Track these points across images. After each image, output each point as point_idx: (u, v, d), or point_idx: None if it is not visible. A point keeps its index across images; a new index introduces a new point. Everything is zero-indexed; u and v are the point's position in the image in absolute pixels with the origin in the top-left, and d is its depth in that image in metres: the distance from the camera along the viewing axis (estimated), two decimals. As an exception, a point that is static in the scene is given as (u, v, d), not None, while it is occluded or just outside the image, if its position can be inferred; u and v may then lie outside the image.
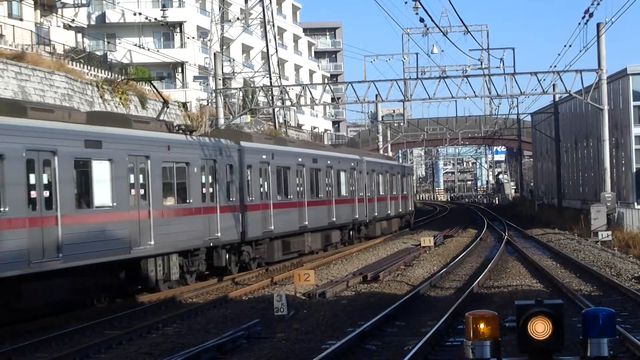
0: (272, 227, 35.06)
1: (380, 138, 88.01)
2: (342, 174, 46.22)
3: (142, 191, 25.86)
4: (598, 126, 53.21)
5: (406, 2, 33.26)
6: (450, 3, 70.96)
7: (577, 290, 25.58)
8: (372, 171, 52.29)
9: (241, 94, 61.23)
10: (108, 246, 23.59)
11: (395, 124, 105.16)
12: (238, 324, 20.05)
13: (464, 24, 47.34)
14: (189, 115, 68.55)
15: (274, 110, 69.10)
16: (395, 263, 35.57)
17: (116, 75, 59.36)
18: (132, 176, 25.27)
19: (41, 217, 21.10)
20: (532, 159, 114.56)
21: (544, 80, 50.14)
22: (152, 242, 25.77)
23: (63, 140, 22.22)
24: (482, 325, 7.71)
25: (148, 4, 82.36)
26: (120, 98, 55.64)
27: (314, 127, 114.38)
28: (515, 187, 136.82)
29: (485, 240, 51.56)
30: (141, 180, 25.88)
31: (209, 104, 68.82)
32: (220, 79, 54.14)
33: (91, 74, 55.95)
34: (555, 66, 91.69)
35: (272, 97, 57.14)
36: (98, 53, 70.42)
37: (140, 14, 67.00)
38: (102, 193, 23.80)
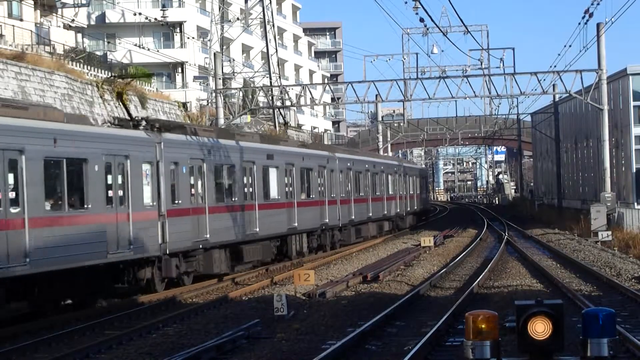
0: (208, 236, 29.51)
1: (380, 138, 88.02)
2: (309, 173, 40.61)
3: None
4: (598, 126, 53.20)
5: (406, 2, 33.25)
6: (450, 3, 70.99)
7: (577, 290, 25.57)
8: (347, 169, 46.78)
9: (241, 94, 61.22)
10: None
11: (395, 124, 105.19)
12: (238, 324, 20.05)
13: (464, 24, 47.44)
14: (189, 116, 68.56)
15: (273, 110, 69.10)
16: (395, 263, 35.56)
17: (114, 75, 59.33)
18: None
19: None
20: (532, 159, 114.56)
21: (544, 80, 50.22)
22: None
23: None
24: (482, 325, 7.71)
25: (148, 4, 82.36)
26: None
27: (314, 127, 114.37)
28: (515, 187, 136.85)
29: (485, 241, 51.55)
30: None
31: (209, 104, 68.84)
32: (220, 79, 54.14)
33: (91, 74, 55.96)
34: (555, 66, 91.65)
35: (272, 97, 57.14)
36: (98, 53, 70.43)
37: (140, 14, 66.98)
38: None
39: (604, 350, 7.60)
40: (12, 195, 20.48)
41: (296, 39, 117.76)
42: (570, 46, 72.97)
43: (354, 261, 38.48)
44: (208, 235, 29.31)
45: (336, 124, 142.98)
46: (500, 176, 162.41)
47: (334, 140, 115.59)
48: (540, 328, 7.57)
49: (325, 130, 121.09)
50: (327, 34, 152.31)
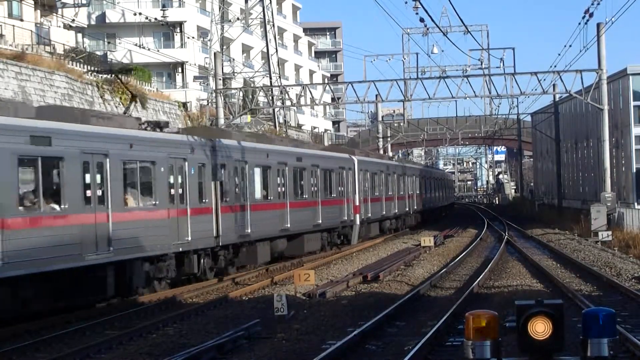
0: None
1: (380, 138, 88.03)
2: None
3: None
4: (598, 126, 53.20)
5: (406, 2, 33.33)
6: (450, 3, 71.06)
7: (577, 290, 25.58)
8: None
9: (241, 94, 61.22)
10: None
11: (395, 124, 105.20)
12: (238, 324, 20.05)
13: (464, 24, 47.46)
14: (189, 116, 68.59)
15: (274, 110, 69.10)
16: (396, 263, 35.57)
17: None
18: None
19: None
20: (532, 159, 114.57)
21: (544, 80, 50.20)
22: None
23: None
24: (482, 325, 7.71)
25: (148, 4, 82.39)
26: (120, 98, 55.66)
27: (314, 127, 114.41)
28: (515, 187, 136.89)
29: (486, 241, 51.57)
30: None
31: (209, 104, 68.85)
32: (220, 79, 54.14)
33: (91, 74, 55.96)
34: (555, 66, 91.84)
35: (272, 97, 57.14)
36: (98, 53, 70.44)
37: (140, 14, 67.00)
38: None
39: (604, 350, 7.61)
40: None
41: (296, 39, 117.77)
42: (570, 46, 73.25)
43: (354, 261, 38.49)
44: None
45: (336, 124, 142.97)
46: (500, 176, 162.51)
47: (334, 140, 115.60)
48: (540, 328, 7.57)
49: (325, 130, 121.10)
50: (327, 34, 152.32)
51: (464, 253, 40.82)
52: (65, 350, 18.03)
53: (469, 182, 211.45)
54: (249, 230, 32.87)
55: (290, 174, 37.79)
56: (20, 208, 20.57)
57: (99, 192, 23.38)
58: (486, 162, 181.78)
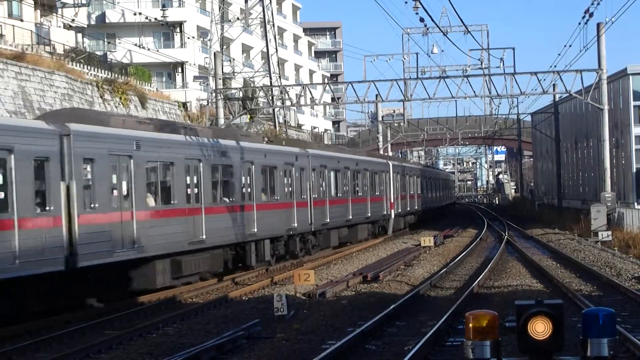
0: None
1: (380, 138, 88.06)
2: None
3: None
4: (598, 126, 53.20)
5: (406, 2, 33.21)
6: (450, 3, 70.93)
7: (577, 290, 25.58)
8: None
9: (241, 94, 61.19)
10: None
11: (395, 124, 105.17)
12: (238, 324, 20.06)
13: (464, 24, 47.30)
14: (189, 116, 68.58)
15: (274, 110, 69.09)
16: (395, 263, 35.58)
17: (116, 75, 59.38)
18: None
19: None
20: (532, 159, 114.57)
21: (544, 80, 50.18)
22: None
23: None
24: (482, 325, 7.71)
25: (148, 4, 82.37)
26: (120, 98, 55.66)
27: (314, 127, 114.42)
28: (515, 187, 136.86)
29: (486, 240, 51.57)
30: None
31: (209, 104, 68.83)
32: (220, 79, 54.14)
33: (91, 74, 55.97)
34: (555, 66, 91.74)
35: (272, 97, 57.14)
36: (98, 53, 70.43)
37: (140, 13, 67.00)
38: None
39: (604, 350, 7.60)
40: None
41: (296, 38, 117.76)
42: (570, 46, 73.13)
43: (354, 261, 38.50)
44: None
45: (336, 124, 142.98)
46: (501, 176, 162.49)
47: (334, 140, 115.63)
48: (540, 328, 7.57)
49: (326, 130, 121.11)
50: (327, 34, 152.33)
51: (464, 253, 40.82)
52: (65, 350, 18.03)
53: (469, 182, 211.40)
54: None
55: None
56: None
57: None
58: (486, 162, 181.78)
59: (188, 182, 28.48)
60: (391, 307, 21.81)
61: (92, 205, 23.11)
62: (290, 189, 37.18)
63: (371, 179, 52.00)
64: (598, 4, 39.69)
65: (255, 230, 33.35)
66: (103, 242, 23.37)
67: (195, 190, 28.90)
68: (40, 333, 20.25)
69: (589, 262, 34.55)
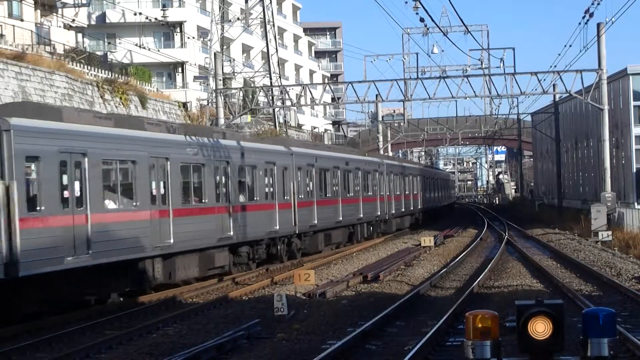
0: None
1: (381, 138, 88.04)
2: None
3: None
4: (598, 126, 53.20)
5: (406, 2, 33.21)
6: (450, 3, 70.99)
7: (577, 290, 25.58)
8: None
9: (241, 94, 61.19)
10: None
11: (396, 124, 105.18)
12: (238, 324, 20.05)
13: (464, 24, 47.38)
14: (189, 116, 68.58)
15: (274, 110, 69.08)
16: (396, 263, 35.57)
17: (116, 75, 59.36)
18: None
19: None
20: (532, 159, 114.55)
21: (544, 80, 50.19)
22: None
23: None
24: (482, 325, 7.71)
25: (148, 4, 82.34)
26: (121, 98, 55.65)
27: (314, 127, 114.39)
28: (515, 187, 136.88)
29: (486, 240, 51.57)
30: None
31: (209, 104, 68.81)
32: (220, 79, 54.13)
33: (91, 74, 55.95)
34: (555, 66, 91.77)
35: (272, 97, 57.13)
36: (98, 53, 70.42)
37: (140, 14, 66.93)
38: None
39: (604, 350, 7.60)
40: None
41: (296, 38, 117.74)
42: (570, 46, 73.15)
43: (354, 261, 38.49)
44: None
45: (336, 124, 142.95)
46: (501, 176, 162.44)
47: (334, 140, 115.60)
48: (540, 328, 7.57)
49: (326, 130, 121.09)
50: (327, 34, 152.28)
51: (464, 253, 40.81)
52: (65, 350, 18.03)
53: (469, 182, 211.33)
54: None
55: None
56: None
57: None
58: (486, 162, 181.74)
59: (153, 182, 26.10)
60: (391, 307, 21.81)
61: (38, 208, 20.87)
62: (271, 189, 35.29)
63: (363, 179, 49.98)
64: (598, 4, 39.70)
65: (231, 233, 31.09)
66: (51, 248, 21.01)
67: (162, 191, 26.50)
68: (40, 333, 20.24)
69: (589, 262, 34.54)
